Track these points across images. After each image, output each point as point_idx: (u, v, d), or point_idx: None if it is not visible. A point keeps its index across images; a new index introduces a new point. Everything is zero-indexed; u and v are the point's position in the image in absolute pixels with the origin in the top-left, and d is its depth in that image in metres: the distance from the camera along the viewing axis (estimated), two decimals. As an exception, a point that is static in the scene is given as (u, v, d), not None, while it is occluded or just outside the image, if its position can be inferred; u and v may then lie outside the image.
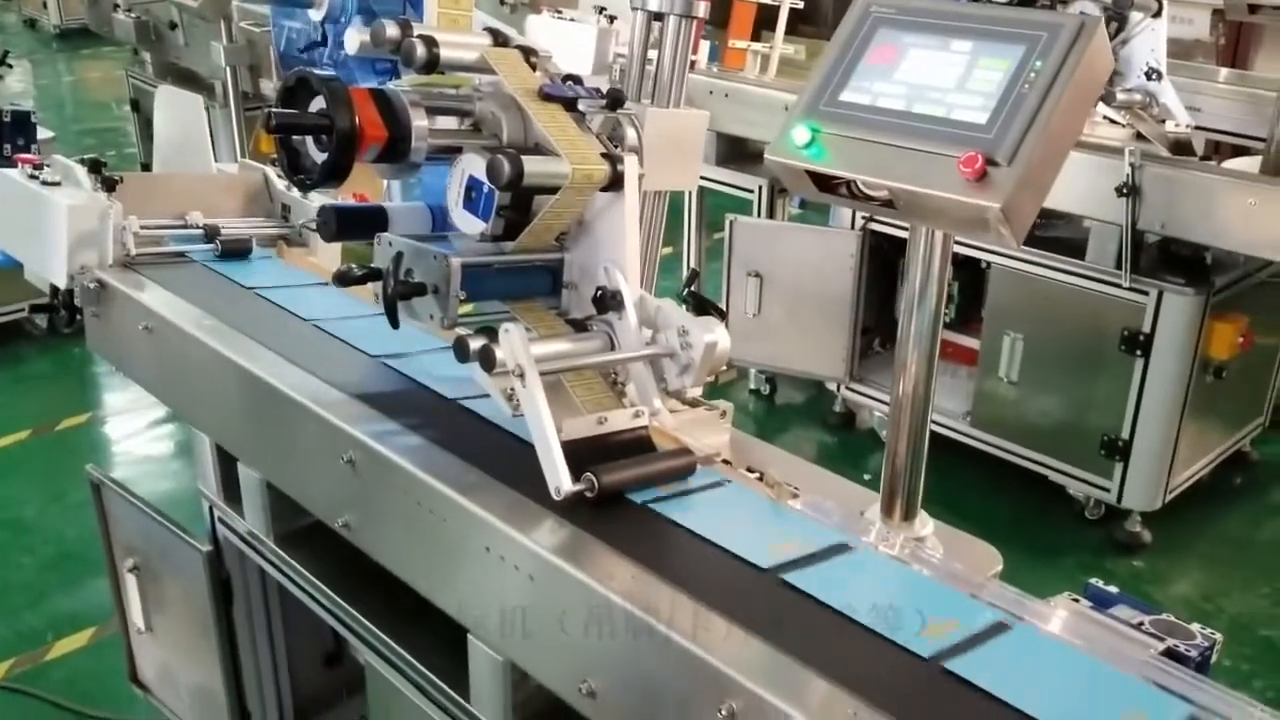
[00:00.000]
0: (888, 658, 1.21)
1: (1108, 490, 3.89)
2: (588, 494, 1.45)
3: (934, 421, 1.65)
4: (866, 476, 4.29)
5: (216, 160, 2.87)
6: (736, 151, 4.83)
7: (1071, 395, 3.93)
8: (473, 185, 1.65)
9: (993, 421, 4.13)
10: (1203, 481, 4.14)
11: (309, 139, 1.65)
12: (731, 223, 4.35)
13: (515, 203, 1.64)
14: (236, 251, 2.42)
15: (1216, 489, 4.27)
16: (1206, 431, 4.03)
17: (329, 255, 2.55)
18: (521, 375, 1.49)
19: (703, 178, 4.97)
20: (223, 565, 2.10)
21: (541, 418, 1.48)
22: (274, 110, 1.58)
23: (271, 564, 1.97)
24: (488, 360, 1.51)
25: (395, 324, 1.66)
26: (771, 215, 4.70)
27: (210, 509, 2.12)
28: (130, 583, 2.27)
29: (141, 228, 2.36)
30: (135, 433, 4.59)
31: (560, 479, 1.45)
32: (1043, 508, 4.12)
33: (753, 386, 5.16)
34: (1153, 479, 3.83)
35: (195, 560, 2.04)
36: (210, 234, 2.44)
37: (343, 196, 2.38)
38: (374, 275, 1.72)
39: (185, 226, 2.50)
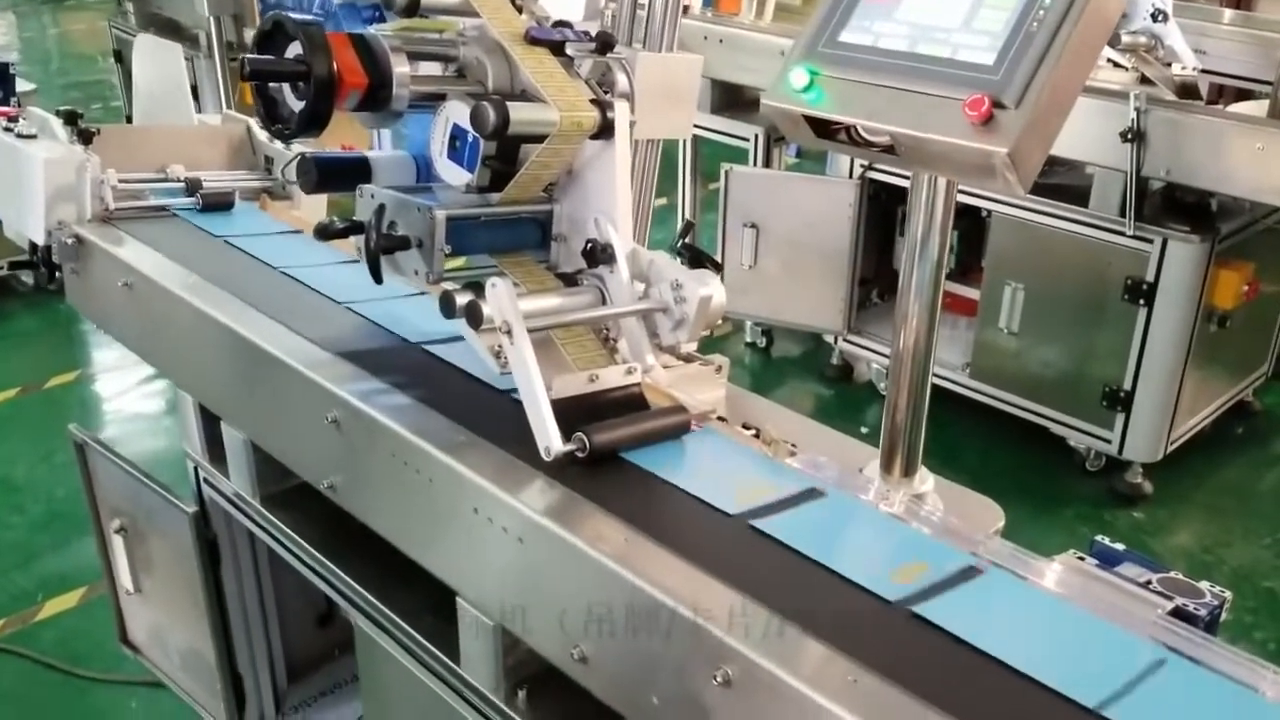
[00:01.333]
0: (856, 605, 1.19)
1: (1109, 441, 3.86)
2: (579, 454, 1.41)
3: (933, 374, 1.60)
4: (864, 430, 4.27)
5: (201, 112, 2.80)
6: (732, 99, 4.74)
7: (1073, 346, 3.88)
8: (457, 134, 1.59)
9: (992, 373, 4.09)
10: (1204, 432, 4.11)
11: (286, 87, 1.59)
12: (727, 172, 4.27)
13: (501, 152, 1.59)
14: (218, 205, 2.36)
15: (1218, 439, 4.24)
16: (1209, 382, 3.99)
17: (313, 208, 2.49)
18: (509, 332, 1.44)
19: (697, 126, 4.89)
20: (209, 526, 2.06)
21: (530, 376, 1.43)
22: (248, 57, 1.52)
23: (258, 525, 1.93)
24: (474, 316, 1.47)
25: (378, 279, 1.61)
26: (768, 164, 4.62)
27: (195, 469, 2.08)
28: (117, 544, 2.23)
29: (120, 181, 2.31)
30: (125, 390, 4.54)
31: (550, 439, 1.40)
32: (1043, 460, 4.10)
33: (749, 339, 5.11)
34: (1154, 430, 3.80)
35: (181, 522, 2.00)
36: (191, 187, 2.38)
37: (331, 147, 2.32)
38: (356, 229, 1.66)
39: (166, 180, 2.44)
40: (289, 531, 1.84)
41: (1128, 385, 3.75)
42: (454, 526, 1.44)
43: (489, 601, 1.43)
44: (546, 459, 1.40)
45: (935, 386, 1.63)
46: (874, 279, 4.55)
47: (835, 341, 4.67)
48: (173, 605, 2.20)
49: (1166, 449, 3.86)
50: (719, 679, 1.12)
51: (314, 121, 1.58)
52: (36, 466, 3.90)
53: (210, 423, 1.98)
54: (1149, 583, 1.44)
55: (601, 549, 1.25)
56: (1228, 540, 3.73)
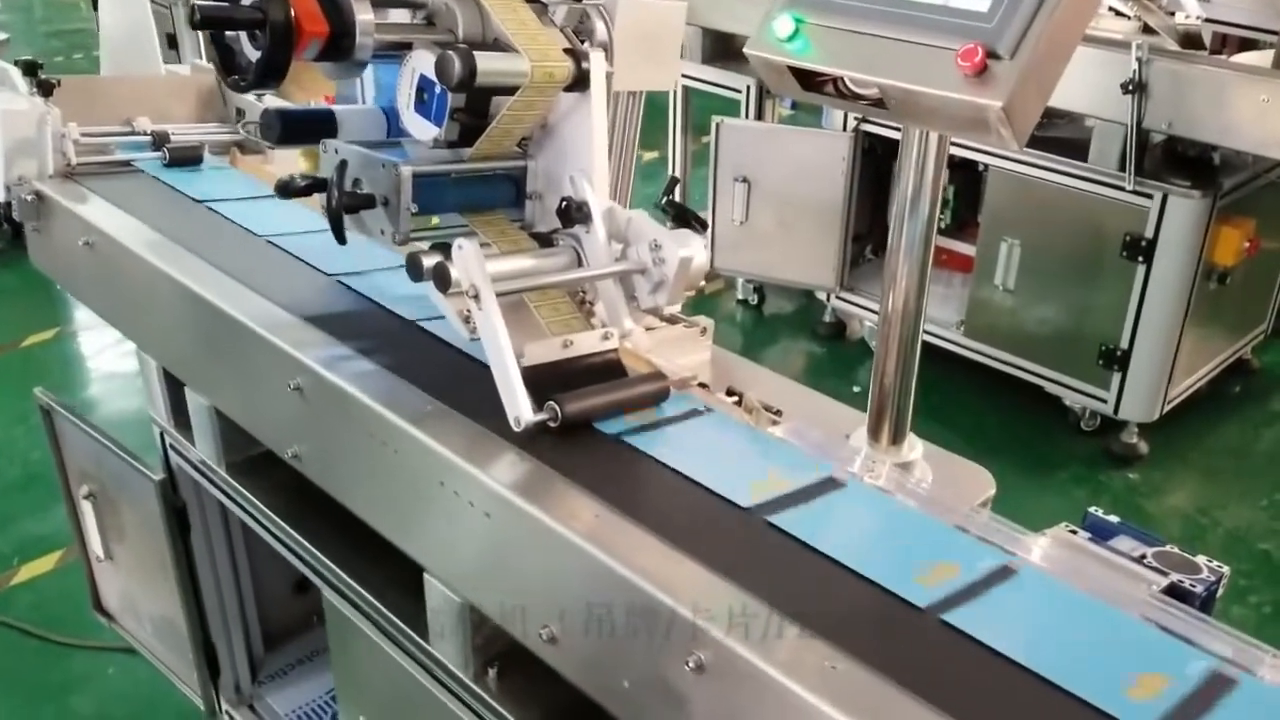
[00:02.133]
0: (877, 606, 1.10)
1: (1104, 401, 3.81)
2: (550, 424, 1.34)
3: (925, 331, 1.54)
4: (856, 389, 4.21)
5: (182, 62, 2.70)
6: (723, 49, 4.63)
7: (1069, 303, 3.82)
8: (424, 86, 1.52)
9: (987, 331, 4.03)
10: (1201, 391, 4.06)
11: (243, 35, 1.51)
12: (718, 125, 4.16)
13: (471, 105, 1.52)
14: (186, 159, 2.28)
15: (1215, 398, 4.19)
16: (1208, 340, 3.94)
17: (286, 163, 2.40)
18: (476, 296, 1.37)
19: (687, 77, 4.79)
20: (177, 494, 1.99)
21: (499, 342, 1.36)
22: (197, 3, 1.43)
23: (224, 494, 1.86)
24: (442, 279, 1.40)
25: (341, 239, 1.54)
26: (760, 117, 4.52)
27: (161, 435, 2.01)
28: (87, 510, 2.17)
29: (83, 135, 2.22)
30: (105, 348, 4.46)
31: (520, 409, 1.34)
32: (1037, 419, 4.05)
33: (740, 296, 5.05)
34: (1151, 389, 3.75)
35: (147, 489, 1.93)
36: (158, 141, 2.30)
37: (315, 100, 2.23)
38: (319, 186, 1.59)
39: (132, 133, 2.35)
40: (255, 501, 1.78)
41: (1125, 344, 3.70)
42: (420, 500, 1.38)
43: (456, 578, 1.37)
44: (516, 430, 1.33)
45: (928, 345, 1.57)
46: (868, 234, 4.48)
47: (828, 299, 4.60)
48: (143, 573, 2.15)
49: (1163, 409, 3.81)
50: (692, 664, 1.07)
51: (271, 73, 1.50)
52: (13, 428, 3.83)
53: (175, 388, 1.91)
54: (1144, 557, 1.39)
55: (571, 525, 1.19)
56: (1223, 502, 3.68)
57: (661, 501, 1.28)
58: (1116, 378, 3.75)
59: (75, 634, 2.84)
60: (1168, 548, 1.41)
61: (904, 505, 1.33)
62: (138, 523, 2.06)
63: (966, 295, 4.09)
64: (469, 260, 1.38)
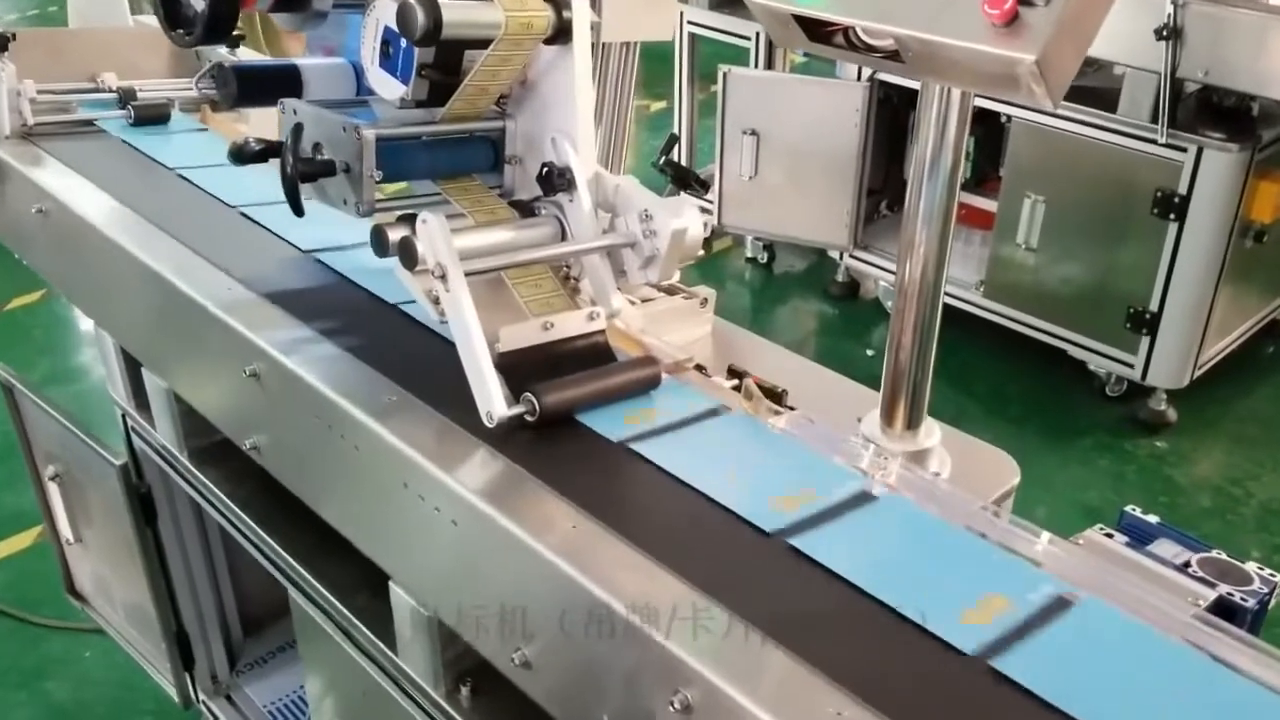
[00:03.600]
0: (913, 649, 0.94)
1: (1132, 366, 3.67)
2: (528, 418, 1.21)
3: (944, 292, 1.40)
4: (870, 352, 4.07)
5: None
6: (732, -7, 4.43)
7: (1096, 263, 3.66)
8: (389, 38, 1.38)
9: (1008, 291, 3.88)
10: (1233, 354, 3.89)
11: (189, -17, 1.36)
12: (725, 75, 3.97)
13: (441, 60, 1.37)
14: (152, 118, 2.14)
15: (1247, 361, 4.02)
16: (1241, 301, 3.78)
17: (262, 121, 2.23)
18: (443, 276, 1.23)
19: (694, 24, 4.59)
20: (142, 479, 1.87)
21: (468, 328, 1.22)
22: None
23: (186, 481, 1.74)
24: (408, 255, 1.26)
25: (298, 211, 1.39)
26: (770, 66, 4.33)
27: (124, 418, 1.89)
28: (54, 491, 2.06)
29: (40, 92, 2.08)
30: (96, 311, 4.32)
31: (492, 402, 1.20)
32: (1060, 385, 3.91)
33: (749, 255, 4.87)
34: (1181, 354, 3.60)
35: (110, 473, 1.81)
36: (124, 97, 2.15)
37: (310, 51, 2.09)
38: (276, 150, 1.44)
39: (96, 90, 2.21)
40: (217, 491, 1.66)
41: (1154, 306, 3.55)
42: (384, 502, 1.25)
43: (423, 589, 1.24)
44: (489, 425, 1.19)
45: (946, 306, 1.43)
46: (883, 189, 4.30)
47: (841, 257, 4.45)
48: (112, 558, 2.04)
49: (1194, 374, 3.66)
50: (677, 705, 0.93)
51: (218, 25, 1.37)
52: (-6, 394, 3.71)
53: (134, 367, 1.78)
54: (1188, 564, 1.26)
55: (544, 539, 1.06)
56: (1256, 472, 3.53)
57: (647, 508, 1.14)
58: (1145, 341, 3.60)
59: (52, 615, 2.74)
60: (1214, 553, 1.28)
61: (940, 521, 1.16)
62: (103, 507, 1.95)
63: (987, 254, 3.93)
64: (434, 236, 1.23)
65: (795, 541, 1.06)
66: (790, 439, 1.28)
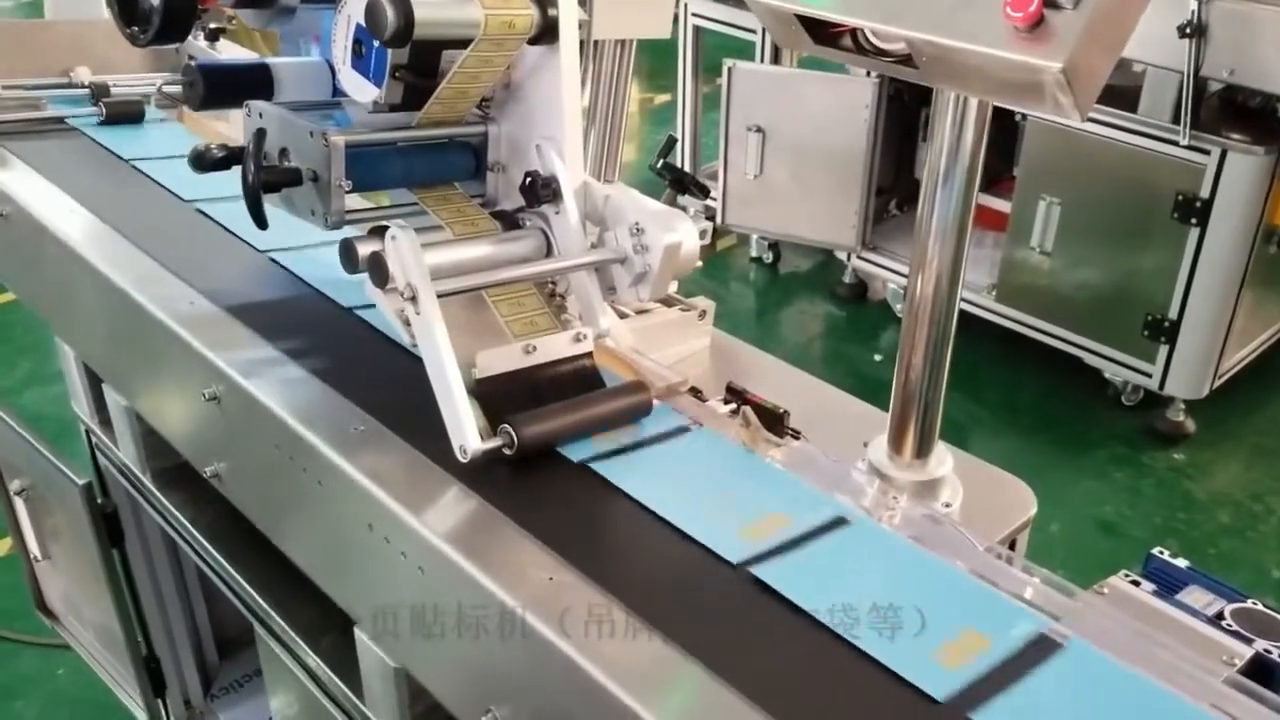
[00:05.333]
0: (884, 696, 0.87)
1: (1149, 375, 3.59)
2: (505, 451, 1.11)
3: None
4: (878, 357, 3.98)
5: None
6: (739, -13, 4.33)
7: (1113, 268, 3.58)
8: (361, 37, 1.28)
9: (1021, 296, 3.81)
10: (1252, 363, 3.81)
11: (145, -24, 1.27)
12: (730, 69, 3.87)
13: (416, 61, 1.27)
14: (125, 116, 2.05)
15: (1267, 371, 3.93)
16: (1263, 309, 3.70)
17: (241, 120, 2.16)
18: (414, 298, 1.13)
19: (698, 16, 4.49)
20: (108, 498, 1.78)
21: (440, 355, 1.13)
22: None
23: (149, 504, 1.65)
24: (379, 271, 1.17)
25: (261, 223, 1.29)
26: (777, 60, 4.23)
27: (88, 434, 1.80)
28: (20, 507, 1.97)
29: (7, 88, 1.99)
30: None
31: (465, 436, 1.10)
32: (1074, 393, 3.84)
33: (754, 254, 4.79)
34: (1201, 363, 3.52)
35: (73, 492, 1.72)
36: (97, 94, 2.06)
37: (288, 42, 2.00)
38: (239, 156, 1.34)
39: (68, 85, 2.11)
40: (179, 516, 1.56)
41: (1173, 314, 3.46)
42: (348, 542, 1.16)
43: (390, 639, 1.15)
44: (463, 460, 1.10)
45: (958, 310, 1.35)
46: (893, 188, 4.21)
47: (848, 258, 4.37)
48: (80, 578, 1.95)
49: (1214, 384, 3.58)
50: (661, 792, 0.84)
51: (174, 23, 1.28)
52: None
53: (95, 383, 1.69)
54: (1220, 615, 1.16)
55: (517, 592, 0.96)
56: (1277, 487, 3.45)
57: (632, 556, 1.05)
58: (1163, 350, 3.52)
59: (25, 630, 2.64)
60: (1249, 604, 1.18)
61: (924, 556, 1.08)
62: (68, 525, 1.86)
63: (999, 256, 3.85)
64: (404, 253, 1.14)
65: (761, 574, 0.99)
66: (769, 465, 1.19)
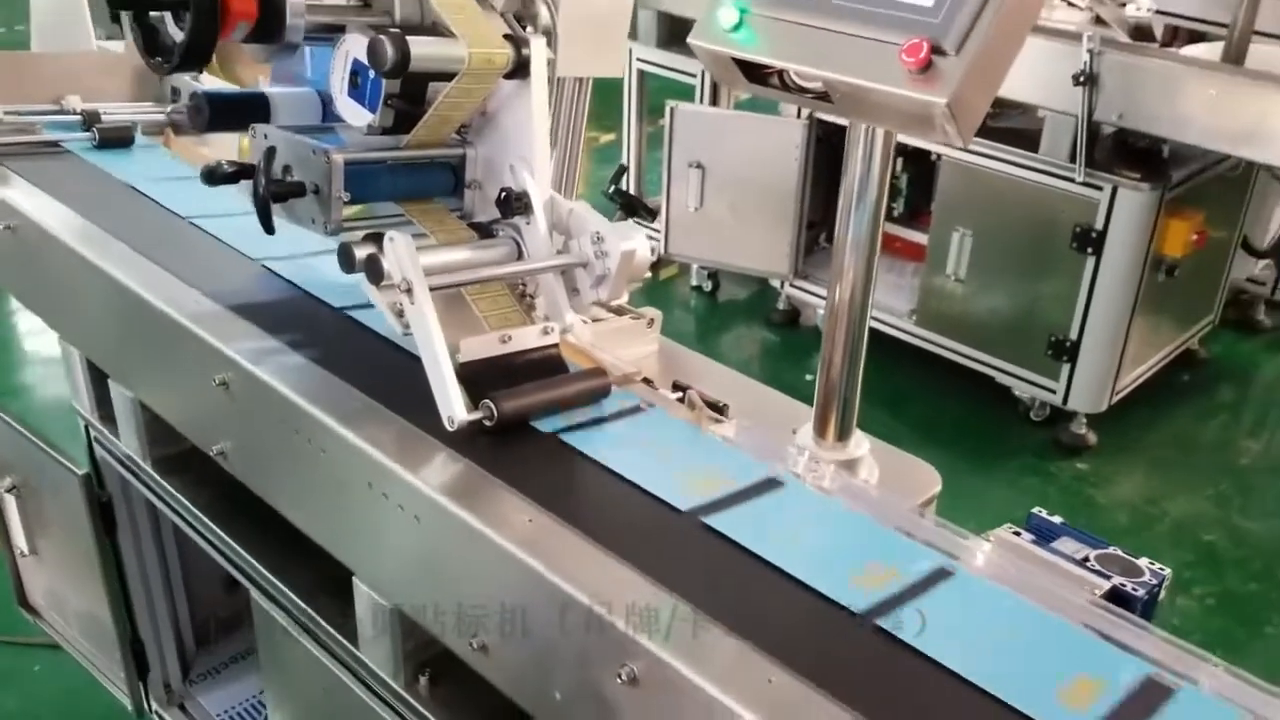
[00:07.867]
0: (815, 612, 1.08)
1: (1054, 392, 3.82)
2: (486, 423, 1.30)
3: (878, 319, 1.53)
4: (809, 377, 4.18)
5: (125, 38, 2.60)
6: (679, 32, 4.57)
7: (1020, 294, 3.82)
8: (358, 70, 1.46)
9: (938, 320, 4.02)
10: (1149, 381, 4.07)
11: (167, 14, 1.45)
12: (672, 110, 4.11)
13: (407, 91, 1.46)
14: (116, 140, 2.20)
15: (1164, 388, 4.21)
16: (1156, 331, 3.96)
17: (223, 144, 2.32)
18: (409, 290, 1.32)
19: (643, 61, 4.72)
20: (103, 488, 1.92)
21: (432, 339, 1.31)
22: (116, -18, 1.36)
23: (150, 490, 1.80)
24: (374, 271, 1.35)
25: (269, 229, 1.47)
26: (715, 102, 4.46)
27: (86, 428, 1.94)
28: (9, 504, 2.10)
29: (6, 114, 2.13)
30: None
31: (453, 408, 1.29)
32: (988, 410, 4.05)
33: (694, 283, 4.99)
34: (1099, 380, 3.76)
35: (71, 483, 1.86)
36: (88, 120, 2.21)
37: (265, 79, 2.15)
38: (247, 172, 1.52)
39: (60, 112, 2.27)
40: (181, 498, 1.72)
41: (1074, 335, 3.70)
42: (349, 502, 1.33)
43: (386, 583, 1.33)
44: (450, 429, 1.29)
45: (881, 334, 1.56)
46: (822, 221, 4.44)
47: (782, 286, 4.57)
48: (69, 570, 2.07)
49: (1111, 399, 3.83)
50: (624, 677, 1.03)
51: (195, 55, 1.44)
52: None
53: (99, 379, 1.84)
54: (1086, 559, 1.38)
55: (503, 531, 1.15)
56: (1170, 492, 3.71)
57: (598, 504, 1.24)
58: (1065, 368, 3.75)
59: (1, 628, 2.74)
60: (1110, 550, 1.40)
61: (843, 507, 1.30)
62: (62, 518, 1.99)
63: (918, 284, 4.07)
64: (401, 253, 1.33)
65: (709, 520, 1.19)
66: (713, 437, 1.39)
